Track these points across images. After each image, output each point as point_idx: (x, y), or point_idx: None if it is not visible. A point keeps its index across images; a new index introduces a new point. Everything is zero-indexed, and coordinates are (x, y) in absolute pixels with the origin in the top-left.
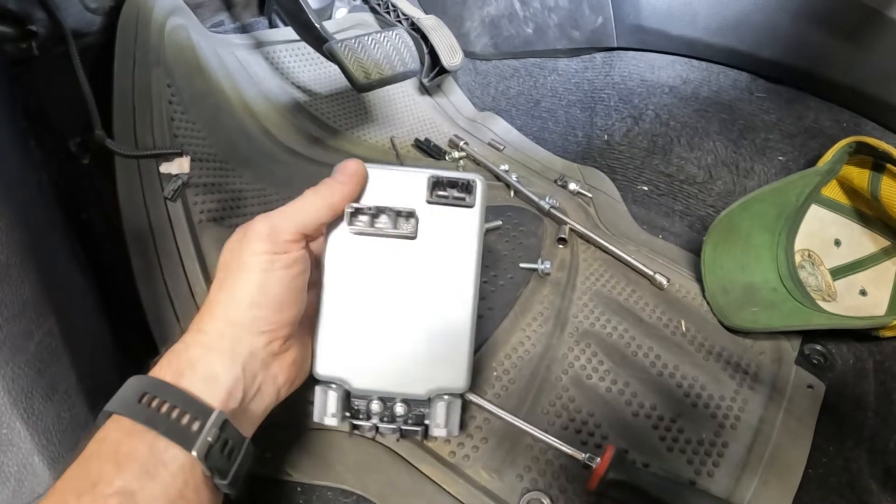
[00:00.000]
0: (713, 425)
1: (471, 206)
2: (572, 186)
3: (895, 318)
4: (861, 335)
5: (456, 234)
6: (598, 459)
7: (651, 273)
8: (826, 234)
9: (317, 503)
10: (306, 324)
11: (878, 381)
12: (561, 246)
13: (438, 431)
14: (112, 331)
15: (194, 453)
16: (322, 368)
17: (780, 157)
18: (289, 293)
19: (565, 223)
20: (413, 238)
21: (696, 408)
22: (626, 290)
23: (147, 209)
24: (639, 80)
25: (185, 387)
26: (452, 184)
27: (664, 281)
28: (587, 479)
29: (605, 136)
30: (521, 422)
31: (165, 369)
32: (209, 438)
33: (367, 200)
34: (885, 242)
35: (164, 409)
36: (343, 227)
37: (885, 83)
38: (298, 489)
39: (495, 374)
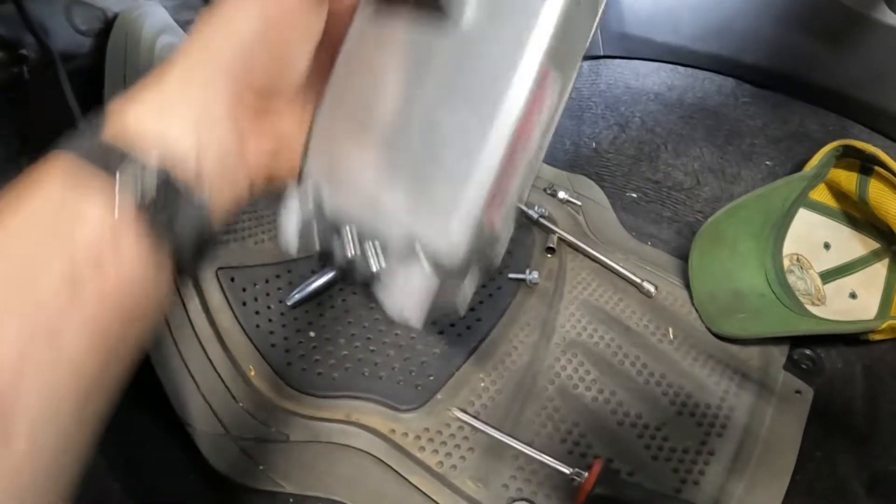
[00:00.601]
0: (699, 433)
1: None
2: (561, 195)
3: (882, 323)
4: (850, 339)
5: (513, 21)
6: (585, 474)
7: (639, 281)
8: (815, 237)
9: None
10: (308, 93)
11: (866, 386)
12: (549, 255)
13: (389, 304)
14: None
15: (117, 176)
16: (305, 165)
17: (766, 162)
18: (303, 38)
19: (554, 232)
20: (446, 15)
21: (681, 416)
22: (614, 298)
23: None
24: (624, 88)
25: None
26: None
27: (652, 289)
28: (573, 492)
29: (593, 144)
30: (507, 437)
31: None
32: (144, 172)
33: None
34: (874, 245)
35: (97, 151)
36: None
37: (869, 85)
38: (290, 500)
39: (482, 384)
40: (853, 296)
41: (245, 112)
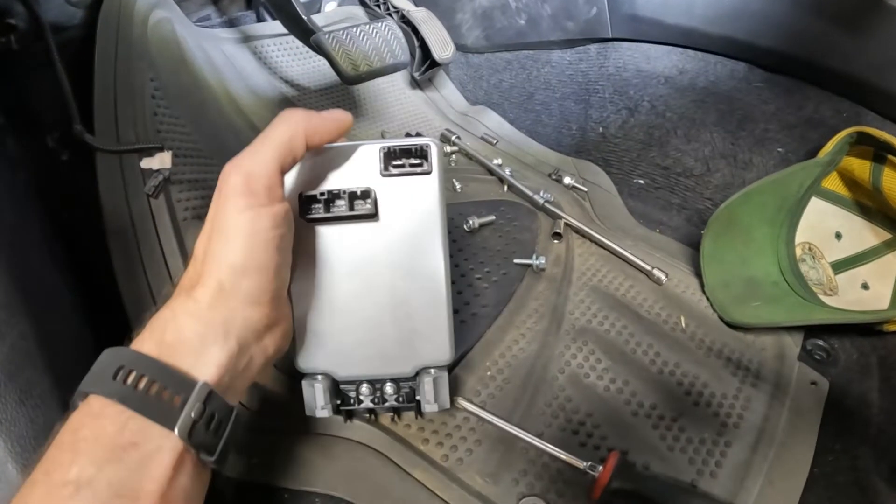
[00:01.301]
0: (715, 424)
1: (428, 173)
2: (567, 180)
3: None
4: (864, 330)
5: (418, 205)
6: (600, 467)
7: (649, 268)
8: (827, 226)
9: None
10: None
11: (882, 377)
12: (556, 241)
13: (429, 407)
14: (92, 333)
15: (176, 431)
16: (304, 363)
17: (779, 149)
18: (279, 255)
19: (560, 218)
20: (374, 216)
21: (697, 406)
22: (624, 285)
23: (129, 206)
24: (634, 71)
25: (170, 361)
26: (406, 152)
27: (662, 276)
28: (588, 486)
29: (600, 129)
30: (516, 429)
31: (148, 340)
32: (192, 414)
33: (318, 182)
34: (886, 235)
35: (143, 384)
36: (298, 217)
37: (885, 72)
38: (286, 496)
39: (489, 373)
40: (865, 286)
41: (263, 327)
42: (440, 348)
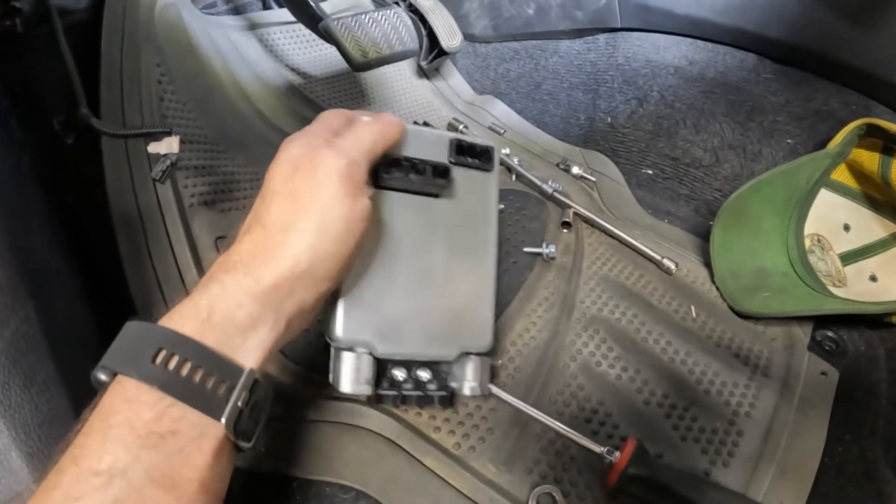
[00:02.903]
0: (727, 414)
1: (488, 171)
2: (575, 170)
3: None
4: (872, 321)
5: (476, 196)
6: (618, 453)
7: (658, 257)
8: (835, 218)
9: (314, 500)
10: None
11: (889, 369)
12: (565, 230)
13: (472, 388)
14: (97, 319)
15: (223, 421)
16: (346, 333)
17: (788, 140)
18: (357, 248)
19: (569, 207)
20: (437, 196)
21: (709, 395)
22: (634, 274)
23: (135, 191)
24: (643, 62)
25: (214, 345)
26: (471, 147)
27: (672, 265)
28: (604, 473)
29: (609, 119)
30: (538, 413)
31: (191, 319)
32: (240, 404)
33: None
34: (894, 227)
35: (186, 370)
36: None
37: (894, 65)
38: (294, 484)
39: (500, 361)
40: (873, 278)
41: (316, 304)
42: (483, 334)
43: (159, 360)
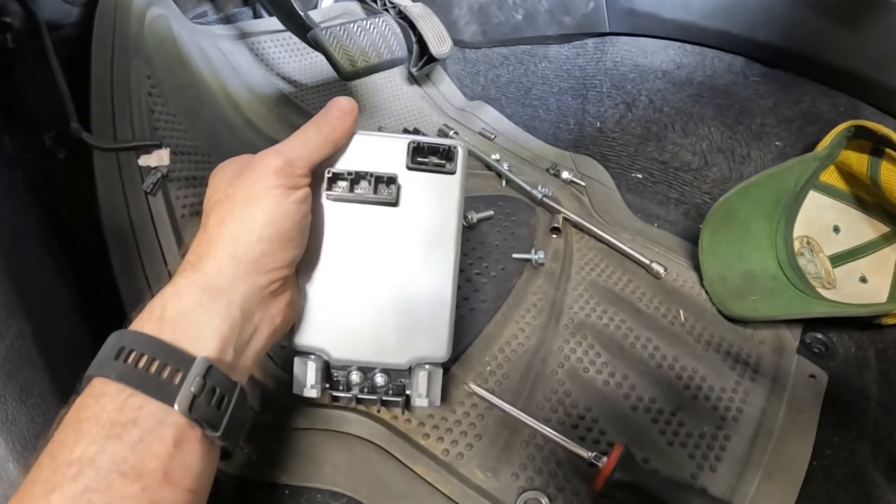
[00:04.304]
0: (715, 418)
1: (452, 173)
2: (565, 175)
3: None
4: (862, 323)
5: (437, 202)
6: (605, 458)
7: (647, 262)
8: (825, 220)
9: None
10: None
11: (879, 371)
12: (554, 236)
13: (420, 401)
14: (91, 331)
15: (176, 406)
16: (301, 339)
17: (776, 143)
18: (297, 230)
19: (559, 212)
20: (394, 205)
21: (696, 400)
22: (623, 279)
23: (127, 204)
24: (631, 66)
25: (170, 339)
26: (433, 150)
27: (661, 270)
28: (591, 478)
29: (598, 124)
30: (524, 415)
31: (149, 320)
32: (192, 389)
33: (346, 165)
34: (884, 229)
35: (142, 363)
36: (320, 192)
37: (882, 67)
38: (286, 492)
39: (488, 368)
40: (863, 280)
41: (269, 294)
42: (438, 344)
43: (121, 357)
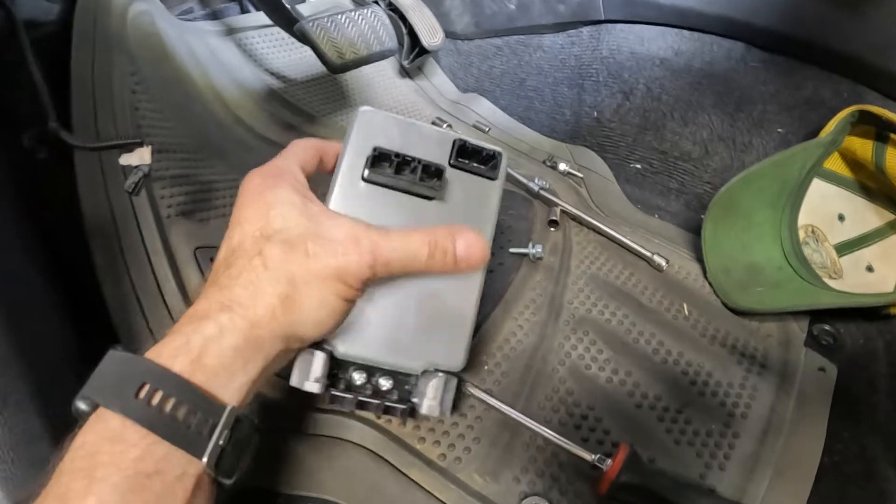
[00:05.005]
0: (722, 415)
1: (492, 179)
2: (562, 167)
3: None
4: (870, 314)
5: (475, 205)
6: (609, 461)
7: (649, 254)
8: (829, 208)
9: None
10: None
11: (888, 362)
12: (552, 229)
13: (431, 407)
14: (75, 335)
15: (205, 460)
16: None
17: (778, 130)
18: (342, 317)
19: (556, 205)
20: (431, 198)
21: (703, 397)
22: (624, 273)
23: (110, 204)
24: (628, 54)
25: (202, 384)
26: (477, 152)
27: (663, 262)
28: (594, 481)
29: (595, 114)
30: (526, 419)
31: (182, 357)
32: (222, 443)
33: (390, 145)
34: (890, 216)
35: (168, 406)
36: (358, 170)
37: (885, 51)
38: (280, 500)
39: (486, 367)
40: (870, 269)
41: (295, 349)
42: (456, 352)
43: (143, 395)
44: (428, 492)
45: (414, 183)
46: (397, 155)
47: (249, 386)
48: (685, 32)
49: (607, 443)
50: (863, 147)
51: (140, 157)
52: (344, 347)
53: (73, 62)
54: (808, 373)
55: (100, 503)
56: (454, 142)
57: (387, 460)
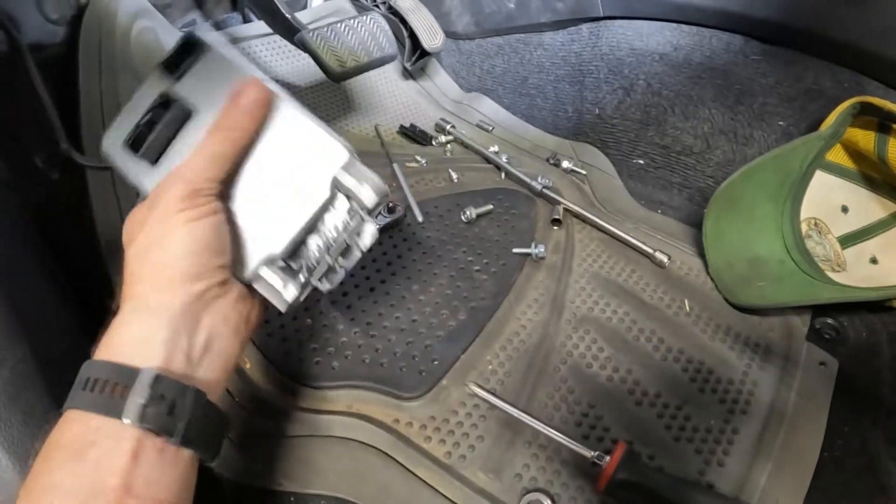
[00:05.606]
0: (722, 411)
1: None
2: (565, 164)
3: None
4: (873, 306)
5: (217, 85)
6: (608, 458)
7: (651, 251)
8: (832, 200)
9: None
10: None
11: (892, 355)
12: (555, 227)
13: (369, 199)
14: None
15: (127, 419)
16: (245, 271)
17: (780, 122)
18: (218, 239)
19: (559, 203)
20: (189, 115)
21: (703, 393)
22: (626, 270)
23: (123, 220)
24: (628, 50)
25: (118, 358)
26: (185, 51)
27: (665, 259)
28: (594, 478)
29: (596, 110)
30: (526, 416)
31: (102, 348)
32: (140, 400)
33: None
34: (894, 207)
35: (98, 386)
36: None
37: (885, 39)
38: (291, 499)
39: (490, 367)
40: (874, 261)
41: (213, 297)
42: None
43: (87, 386)
44: (434, 489)
45: (167, 124)
46: (137, 126)
47: (167, 343)
48: (684, 27)
49: (607, 440)
50: (865, 138)
51: None
52: (274, 247)
53: (81, 83)
54: (809, 367)
55: (51, 478)
56: (158, 64)
57: (395, 459)
